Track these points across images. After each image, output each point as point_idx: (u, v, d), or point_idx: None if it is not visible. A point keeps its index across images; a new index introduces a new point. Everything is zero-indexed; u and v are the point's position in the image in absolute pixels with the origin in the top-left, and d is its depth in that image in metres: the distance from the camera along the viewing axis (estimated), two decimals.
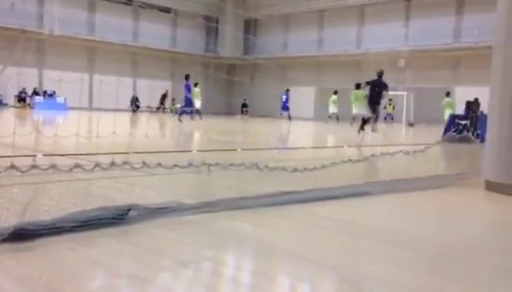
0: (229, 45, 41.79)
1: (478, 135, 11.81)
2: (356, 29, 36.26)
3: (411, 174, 5.44)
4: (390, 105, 30.65)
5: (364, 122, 13.43)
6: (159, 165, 3.63)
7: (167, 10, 39.95)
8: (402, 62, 33.36)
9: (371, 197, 4.18)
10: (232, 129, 17.79)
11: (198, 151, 6.13)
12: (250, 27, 41.53)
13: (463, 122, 13.41)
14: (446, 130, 13.73)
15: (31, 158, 3.62)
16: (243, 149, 8.13)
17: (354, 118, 19.57)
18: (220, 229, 2.94)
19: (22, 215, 2.53)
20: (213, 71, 39.49)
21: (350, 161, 5.27)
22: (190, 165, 3.85)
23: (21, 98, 30.46)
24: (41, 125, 13.78)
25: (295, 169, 4.50)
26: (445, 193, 4.76)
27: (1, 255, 2.22)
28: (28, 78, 30.94)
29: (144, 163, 3.54)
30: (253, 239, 2.80)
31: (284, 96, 27.79)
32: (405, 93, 30.03)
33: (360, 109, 16.62)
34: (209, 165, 4.18)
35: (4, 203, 2.80)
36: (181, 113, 20.09)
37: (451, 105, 24.45)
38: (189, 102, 19.94)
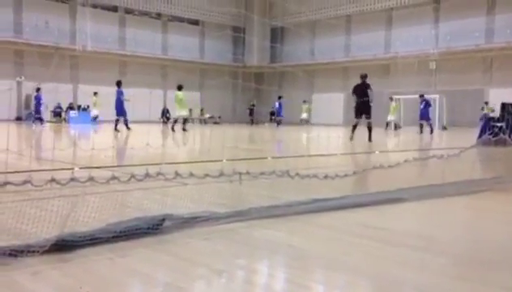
0: (256, 54, 42.10)
1: None
2: (384, 33, 35.90)
3: (446, 180, 5.34)
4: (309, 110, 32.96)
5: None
6: (191, 175, 3.69)
7: (195, 23, 40.61)
8: (433, 65, 32.78)
9: (404, 203, 4.12)
10: (262, 137, 17.84)
11: (228, 160, 6.19)
12: (277, 35, 41.69)
13: (499, 125, 13.07)
14: (481, 133, 13.43)
15: (69, 171, 3.75)
16: (273, 157, 8.16)
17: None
18: (253, 238, 2.97)
19: (62, 226, 2.63)
20: (241, 80, 39.80)
21: (382, 167, 5.21)
22: (222, 174, 3.90)
23: (56, 113, 31.45)
24: (77, 139, 14.17)
25: (326, 176, 4.49)
26: (481, 198, 4.65)
27: (43, 266, 2.31)
28: (63, 93, 31.92)
29: (177, 173, 3.60)
30: (287, 247, 2.81)
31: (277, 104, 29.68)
32: (437, 96, 29.46)
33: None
34: (240, 173, 4.22)
35: (45, 215, 2.91)
36: (116, 122, 18.18)
37: (396, 110, 27.25)
38: (120, 110, 18.15)
